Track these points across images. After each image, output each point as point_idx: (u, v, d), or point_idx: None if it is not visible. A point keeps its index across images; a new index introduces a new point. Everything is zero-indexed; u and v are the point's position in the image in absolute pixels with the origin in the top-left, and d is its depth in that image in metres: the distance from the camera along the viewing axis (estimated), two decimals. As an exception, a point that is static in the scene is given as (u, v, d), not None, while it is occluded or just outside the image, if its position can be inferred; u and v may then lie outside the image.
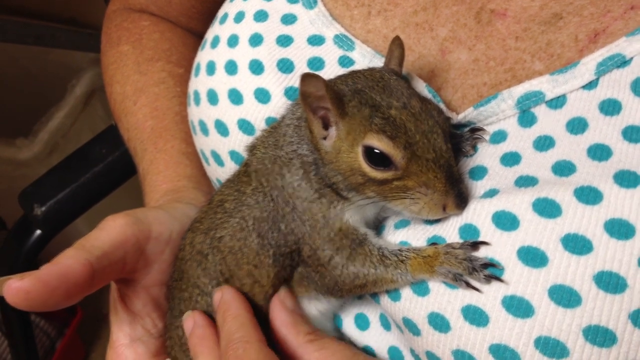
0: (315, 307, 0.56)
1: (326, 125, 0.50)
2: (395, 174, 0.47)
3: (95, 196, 0.96)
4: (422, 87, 0.55)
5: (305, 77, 0.46)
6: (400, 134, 0.46)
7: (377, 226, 0.54)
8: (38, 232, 0.94)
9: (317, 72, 0.48)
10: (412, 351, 0.52)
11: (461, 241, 0.47)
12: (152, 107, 0.79)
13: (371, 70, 0.53)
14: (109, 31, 0.91)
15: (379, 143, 0.46)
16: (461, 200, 0.48)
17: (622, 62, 0.48)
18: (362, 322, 0.57)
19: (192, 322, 0.55)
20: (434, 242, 0.49)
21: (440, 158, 0.47)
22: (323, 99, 0.47)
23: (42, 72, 1.79)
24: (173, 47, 0.85)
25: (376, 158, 0.47)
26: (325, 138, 0.50)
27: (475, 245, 0.46)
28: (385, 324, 0.55)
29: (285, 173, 0.52)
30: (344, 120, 0.48)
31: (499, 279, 0.44)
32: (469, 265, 0.45)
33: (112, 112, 0.86)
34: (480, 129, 0.53)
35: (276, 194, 0.52)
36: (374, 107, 0.47)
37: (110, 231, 0.53)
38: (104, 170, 0.96)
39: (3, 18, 1.71)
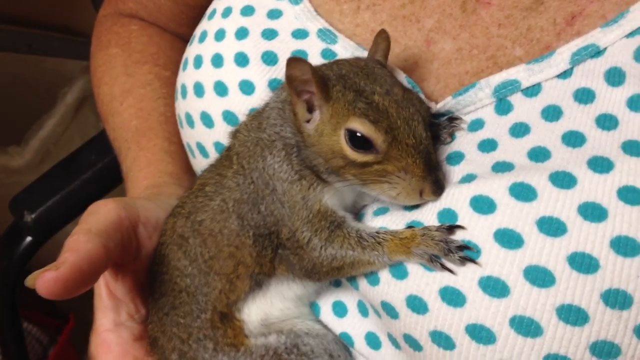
0: (293, 291, 0.57)
1: (310, 109, 0.51)
2: (376, 158, 0.49)
3: (85, 202, 0.94)
4: (402, 78, 0.57)
5: (292, 61, 0.48)
6: (382, 118, 0.48)
7: (357, 214, 0.56)
8: (29, 238, 0.94)
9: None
10: (390, 335, 0.53)
11: (438, 224, 0.48)
12: (137, 107, 0.81)
13: (356, 58, 0.55)
14: (99, 34, 0.92)
15: (361, 126, 0.48)
16: (438, 186, 0.49)
17: (596, 52, 0.50)
18: (339, 309, 0.58)
19: None
20: (411, 226, 0.50)
21: (420, 144, 0.49)
22: (308, 82, 0.49)
23: (34, 80, 1.80)
24: (161, 50, 0.87)
25: (358, 141, 0.49)
26: (308, 121, 0.52)
27: (452, 228, 0.47)
28: (363, 310, 0.57)
29: (267, 155, 0.53)
30: (327, 104, 0.50)
31: (473, 260, 0.45)
32: (444, 247, 0.46)
33: (99, 113, 0.88)
34: (458, 118, 0.54)
35: (257, 175, 0.53)
36: (358, 92, 0.49)
37: (106, 214, 0.55)
38: (94, 176, 0.97)
39: (-6, 27, 1.71)
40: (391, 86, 0.51)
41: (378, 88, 0.50)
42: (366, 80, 0.50)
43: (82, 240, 0.50)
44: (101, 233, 0.52)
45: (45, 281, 0.46)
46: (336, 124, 0.49)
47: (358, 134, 0.48)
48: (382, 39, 0.55)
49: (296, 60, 0.48)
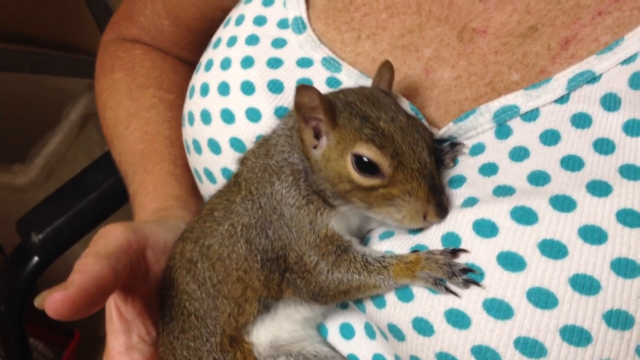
0: (301, 313, 0.58)
1: (317, 135, 0.53)
2: (382, 182, 0.50)
3: (91, 223, 0.98)
4: (405, 105, 0.58)
5: (300, 89, 0.50)
6: (388, 144, 0.50)
7: (363, 238, 0.57)
8: (36, 258, 0.95)
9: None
10: (397, 357, 0.54)
11: (442, 248, 0.49)
12: (142, 131, 0.82)
13: (361, 87, 0.57)
14: (103, 59, 0.94)
15: (368, 152, 0.50)
16: (441, 209, 0.50)
17: (592, 78, 0.51)
18: (347, 331, 0.59)
19: None
20: (416, 250, 0.51)
21: (424, 169, 0.50)
22: (316, 109, 0.51)
23: (38, 98, 1.81)
24: (164, 74, 0.88)
25: (364, 166, 0.50)
26: (315, 147, 0.53)
27: (455, 252, 0.48)
28: (370, 332, 0.57)
29: (275, 180, 0.54)
30: (334, 130, 0.51)
31: (477, 283, 0.46)
32: (448, 270, 0.47)
33: (105, 136, 0.89)
34: (460, 143, 0.55)
35: (264, 201, 0.55)
36: (364, 119, 0.51)
37: (115, 238, 0.56)
38: (99, 197, 0.98)
39: (-2, 47, 1.73)
40: (396, 113, 0.52)
41: (383, 115, 0.51)
42: (372, 108, 0.52)
43: (90, 262, 0.51)
44: (110, 256, 0.53)
45: (53, 302, 0.47)
46: (343, 150, 0.51)
47: (364, 159, 0.50)
48: (387, 69, 0.57)
49: (305, 88, 0.50)
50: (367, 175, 0.50)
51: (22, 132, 1.72)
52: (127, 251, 0.56)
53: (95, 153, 1.09)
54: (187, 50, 0.91)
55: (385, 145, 0.50)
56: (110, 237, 0.56)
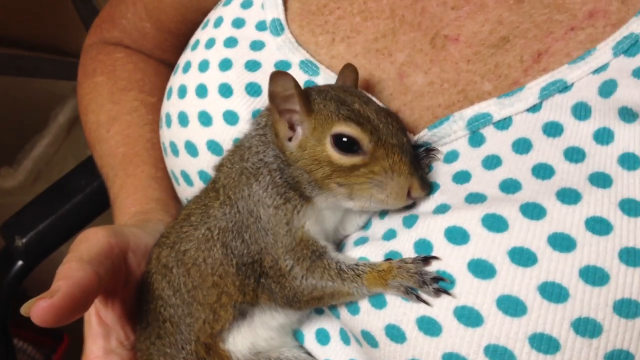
0: (277, 320, 0.58)
1: (292, 128, 0.53)
2: (363, 160, 0.50)
3: (76, 226, 0.97)
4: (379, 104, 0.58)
5: (275, 75, 0.50)
6: (365, 121, 0.50)
7: (339, 244, 0.57)
8: (20, 262, 0.95)
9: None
10: None
11: (414, 256, 0.49)
12: (124, 134, 0.82)
13: (331, 83, 0.58)
14: (85, 63, 0.94)
15: (347, 128, 0.50)
16: (425, 182, 0.51)
17: (563, 87, 0.51)
18: (322, 337, 0.59)
19: None
20: (389, 257, 0.51)
21: (402, 145, 0.51)
22: (290, 98, 0.51)
23: (25, 101, 1.81)
24: (146, 77, 0.88)
25: (344, 145, 0.50)
26: (290, 139, 0.53)
27: (427, 260, 0.48)
28: (345, 338, 0.57)
29: (253, 182, 0.54)
30: (310, 117, 0.52)
31: (447, 292, 0.46)
32: (419, 279, 0.47)
33: (87, 140, 0.89)
34: (435, 149, 0.56)
35: (242, 204, 0.54)
36: (339, 102, 0.52)
37: (96, 242, 0.56)
38: (84, 200, 0.98)
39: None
40: (368, 99, 0.54)
41: (357, 99, 0.52)
42: (344, 94, 0.53)
43: (74, 268, 0.51)
44: (92, 260, 0.52)
45: (39, 309, 0.47)
46: (320, 134, 0.51)
47: (344, 138, 0.50)
48: (350, 70, 0.58)
49: (279, 75, 0.50)
50: (347, 154, 0.50)
51: (9, 135, 1.71)
52: (109, 255, 0.55)
53: (84, 156, 1.08)
54: (169, 53, 0.91)
55: (363, 122, 0.50)
56: (91, 241, 0.55)
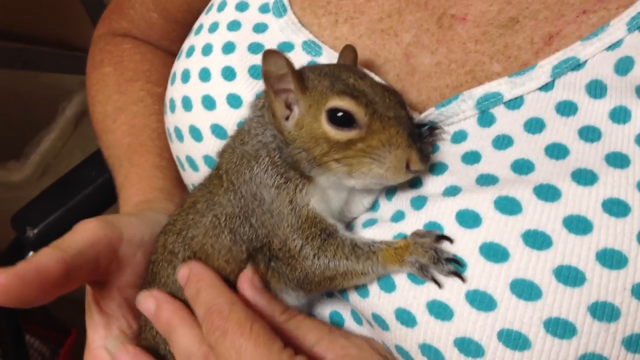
0: (287, 302, 0.57)
1: (288, 107, 0.52)
2: (359, 134, 0.49)
3: (86, 217, 0.98)
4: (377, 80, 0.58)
5: (267, 54, 0.49)
6: (360, 95, 0.50)
7: (347, 225, 0.56)
8: (31, 253, 0.95)
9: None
10: (384, 344, 0.54)
11: (426, 230, 0.49)
12: (130, 124, 0.82)
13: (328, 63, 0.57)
14: (93, 54, 0.94)
15: (342, 102, 0.49)
16: (424, 154, 0.50)
17: (576, 65, 0.50)
18: (337, 319, 0.59)
19: (153, 300, 0.55)
20: (400, 237, 0.50)
21: (400, 117, 0.50)
22: (284, 77, 0.51)
23: (32, 95, 1.81)
24: (153, 67, 0.88)
25: (340, 120, 0.49)
26: (287, 118, 0.53)
27: (439, 238, 0.48)
28: (357, 319, 0.57)
29: (254, 165, 0.54)
30: (305, 95, 0.51)
31: (460, 276, 0.46)
32: (434, 255, 0.46)
33: (94, 131, 0.89)
34: (439, 127, 0.55)
35: (245, 188, 0.54)
36: (334, 77, 0.51)
37: (83, 233, 0.56)
38: (94, 192, 0.98)
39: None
40: (364, 74, 0.53)
41: (352, 74, 0.52)
42: (339, 70, 0.52)
43: (42, 252, 0.51)
44: (67, 249, 0.53)
45: None
46: (316, 111, 0.51)
47: (339, 113, 0.49)
48: (349, 50, 0.57)
49: (272, 54, 0.49)
50: (343, 128, 0.49)
51: (17, 129, 1.71)
52: (93, 246, 0.55)
53: (91, 149, 1.08)
54: (176, 43, 0.90)
55: (358, 96, 0.49)
56: (78, 231, 0.56)
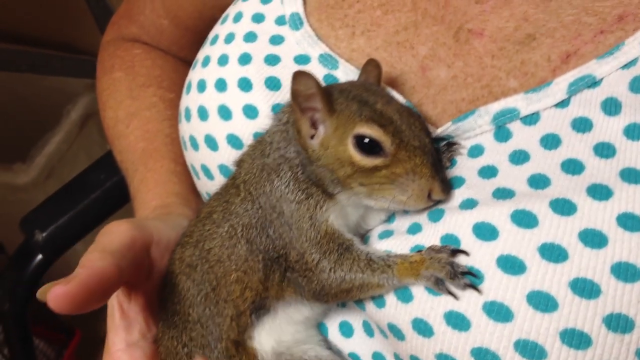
0: (301, 313, 0.58)
1: (314, 125, 0.53)
2: (384, 161, 0.50)
3: (95, 221, 0.98)
4: (401, 100, 0.58)
5: (297, 75, 0.50)
6: (388, 123, 0.50)
7: (362, 237, 0.57)
8: (39, 256, 0.96)
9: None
10: (396, 356, 0.54)
11: (442, 245, 0.49)
12: (143, 129, 0.82)
13: (352, 80, 0.58)
14: (103, 60, 0.94)
15: (370, 130, 0.50)
16: (446, 185, 0.51)
17: (592, 82, 0.51)
18: (346, 330, 0.60)
19: None
20: (417, 250, 0.51)
21: (425, 147, 0.51)
22: (312, 97, 0.51)
23: (38, 98, 1.82)
24: (164, 73, 0.89)
25: (366, 146, 0.50)
26: (312, 137, 0.53)
27: (455, 252, 0.48)
28: (369, 330, 0.58)
29: (274, 178, 0.54)
30: (332, 117, 0.52)
31: (476, 288, 0.47)
32: (450, 270, 0.47)
33: (106, 136, 0.90)
34: (457, 143, 0.56)
35: (264, 200, 0.55)
36: (361, 102, 0.52)
37: (119, 234, 0.56)
38: (103, 195, 0.99)
39: (-3, 46, 1.74)
40: (390, 98, 0.54)
41: (379, 99, 0.52)
42: (367, 93, 0.53)
43: (95, 258, 0.51)
44: (114, 252, 0.53)
45: (54, 295, 0.47)
46: (342, 134, 0.51)
47: (366, 140, 0.50)
48: (373, 66, 0.58)
49: (302, 75, 0.50)
50: (369, 155, 0.50)
51: (22, 131, 1.72)
52: (131, 248, 0.56)
53: (96, 153, 1.09)
54: (186, 49, 0.91)
55: (385, 124, 0.50)
56: (115, 233, 0.56)
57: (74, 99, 1.72)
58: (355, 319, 0.59)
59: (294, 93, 0.52)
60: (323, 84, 0.51)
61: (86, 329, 1.77)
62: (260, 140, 0.59)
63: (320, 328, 0.62)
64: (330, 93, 0.53)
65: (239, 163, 0.60)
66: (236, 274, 0.56)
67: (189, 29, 0.89)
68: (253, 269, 0.55)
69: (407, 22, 0.63)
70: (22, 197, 1.63)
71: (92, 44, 1.01)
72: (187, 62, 0.93)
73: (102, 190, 0.99)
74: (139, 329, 0.61)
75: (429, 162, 0.50)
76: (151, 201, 0.74)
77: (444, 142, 0.57)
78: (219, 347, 0.58)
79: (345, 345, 0.60)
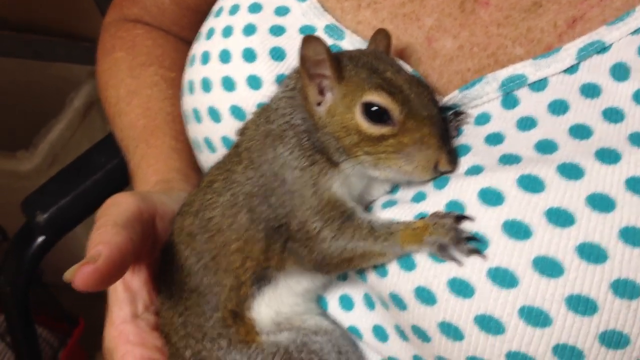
0: (302, 285, 0.57)
1: (321, 92, 0.52)
2: (392, 130, 0.50)
3: (96, 202, 0.96)
4: (408, 70, 0.58)
5: (307, 40, 0.49)
6: (397, 91, 0.50)
7: (365, 208, 0.56)
8: (41, 237, 0.96)
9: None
10: (397, 327, 0.54)
11: (445, 211, 0.49)
12: (144, 107, 0.82)
13: (362, 49, 0.57)
14: (104, 41, 0.94)
15: (379, 98, 0.49)
16: (453, 156, 0.50)
17: (601, 48, 0.50)
18: (346, 303, 0.59)
19: None
20: (422, 216, 0.50)
21: (433, 117, 0.50)
22: (321, 63, 0.51)
23: (41, 86, 1.82)
24: (165, 53, 0.88)
25: (374, 114, 0.50)
26: (319, 104, 0.52)
27: (460, 218, 0.48)
28: (369, 303, 0.57)
29: (278, 144, 0.53)
30: (340, 84, 0.51)
31: (480, 253, 0.46)
32: (454, 235, 0.46)
33: (107, 115, 0.89)
34: (464, 112, 0.55)
35: (266, 167, 0.54)
36: (371, 70, 0.51)
37: (127, 206, 0.55)
38: (104, 177, 0.99)
39: (1, 33, 1.74)
40: (400, 68, 0.53)
41: (389, 67, 0.52)
42: (377, 61, 0.52)
43: (111, 232, 0.51)
44: (126, 225, 0.52)
45: (84, 274, 0.47)
46: (350, 102, 0.51)
47: (374, 108, 0.49)
48: (382, 36, 0.57)
49: (311, 39, 0.49)
50: (377, 123, 0.50)
51: (25, 119, 1.72)
52: (139, 220, 0.55)
53: (99, 139, 1.09)
54: (187, 29, 0.90)
55: (394, 92, 0.49)
56: (122, 205, 0.55)
57: (77, 87, 1.72)
58: (356, 292, 0.58)
59: (303, 58, 0.51)
60: (331, 52, 0.51)
61: (90, 318, 1.78)
62: (266, 107, 0.58)
63: (320, 302, 0.61)
64: (340, 60, 0.52)
65: (243, 131, 0.59)
66: (237, 243, 0.55)
67: (190, 8, 0.88)
68: (254, 239, 0.54)
69: None
70: (25, 185, 1.63)
71: (96, 31, 1.00)
72: (188, 43, 0.92)
73: (104, 172, 0.98)
74: (142, 302, 0.61)
75: (437, 132, 0.50)
76: (152, 176, 0.74)
77: (451, 112, 0.56)
78: (214, 316, 0.57)
79: (345, 318, 0.59)
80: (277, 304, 0.58)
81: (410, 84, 0.51)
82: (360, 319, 0.58)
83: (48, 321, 1.72)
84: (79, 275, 0.47)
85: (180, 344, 0.59)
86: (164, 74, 0.85)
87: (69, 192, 0.97)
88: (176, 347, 0.59)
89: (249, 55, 0.64)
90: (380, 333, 0.57)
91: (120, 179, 0.98)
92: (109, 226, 0.51)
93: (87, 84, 1.72)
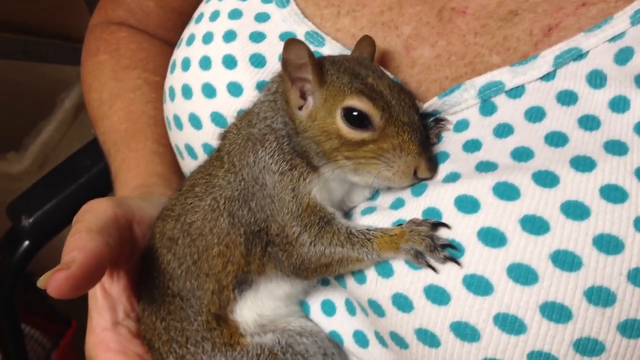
0: (282, 289, 0.57)
1: (303, 96, 0.52)
2: (372, 136, 0.50)
3: (81, 206, 0.98)
4: (390, 77, 0.58)
5: (290, 43, 0.49)
6: (378, 97, 0.50)
7: (346, 214, 0.56)
8: (26, 242, 0.95)
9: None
10: (377, 334, 0.54)
11: (423, 218, 0.49)
12: (127, 110, 0.81)
13: (346, 54, 0.57)
14: (89, 43, 0.94)
15: (359, 103, 0.49)
16: (432, 163, 0.50)
17: (578, 55, 0.50)
18: (328, 308, 0.59)
19: None
20: (400, 224, 0.50)
21: (414, 124, 0.50)
22: (303, 67, 0.51)
23: (32, 87, 1.81)
24: (150, 56, 0.88)
25: (355, 119, 0.50)
26: (301, 108, 0.52)
27: (436, 225, 0.48)
28: (351, 309, 0.57)
29: (259, 148, 0.53)
30: (322, 88, 0.51)
31: (455, 261, 0.46)
32: (430, 243, 0.46)
33: (90, 118, 0.89)
34: (444, 119, 0.55)
35: (247, 171, 0.54)
36: (353, 75, 0.51)
37: (103, 212, 0.55)
38: (89, 181, 0.98)
39: (-9, 34, 1.73)
40: (382, 74, 0.53)
41: (371, 73, 0.52)
42: (359, 67, 0.52)
43: (85, 238, 0.50)
44: (102, 231, 0.52)
45: (57, 281, 0.46)
46: (331, 106, 0.51)
47: (355, 113, 0.49)
48: (367, 43, 0.57)
49: (294, 43, 0.49)
50: (357, 128, 0.50)
51: (16, 120, 1.71)
52: (116, 225, 0.55)
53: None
54: (172, 32, 0.90)
55: (376, 98, 0.49)
56: (97, 211, 0.55)
57: (68, 88, 1.71)
58: (337, 298, 0.58)
59: (285, 62, 0.51)
60: (314, 56, 0.50)
61: (82, 319, 1.77)
62: (248, 111, 0.58)
63: (303, 307, 0.61)
64: (322, 64, 0.52)
65: (224, 135, 0.59)
66: (218, 247, 0.55)
67: (175, 11, 0.88)
68: (235, 243, 0.55)
69: (391, 2, 0.62)
70: (15, 186, 1.62)
71: (85, 32, 1.00)
72: (173, 46, 0.91)
73: (89, 176, 0.98)
74: (122, 309, 0.60)
75: (416, 139, 0.50)
76: (132, 180, 0.74)
77: (432, 119, 0.56)
78: (198, 320, 0.57)
79: (327, 323, 0.59)
80: (260, 308, 0.58)
81: (391, 90, 0.51)
82: (341, 324, 0.58)
83: (41, 323, 1.72)
84: (52, 282, 0.46)
85: (163, 349, 0.59)
86: (148, 77, 0.85)
87: (55, 196, 0.96)
88: (159, 352, 0.59)
89: (230, 62, 0.64)
90: (361, 339, 0.57)
91: (106, 182, 0.97)
92: (84, 232, 0.51)
93: (77, 85, 1.72)
